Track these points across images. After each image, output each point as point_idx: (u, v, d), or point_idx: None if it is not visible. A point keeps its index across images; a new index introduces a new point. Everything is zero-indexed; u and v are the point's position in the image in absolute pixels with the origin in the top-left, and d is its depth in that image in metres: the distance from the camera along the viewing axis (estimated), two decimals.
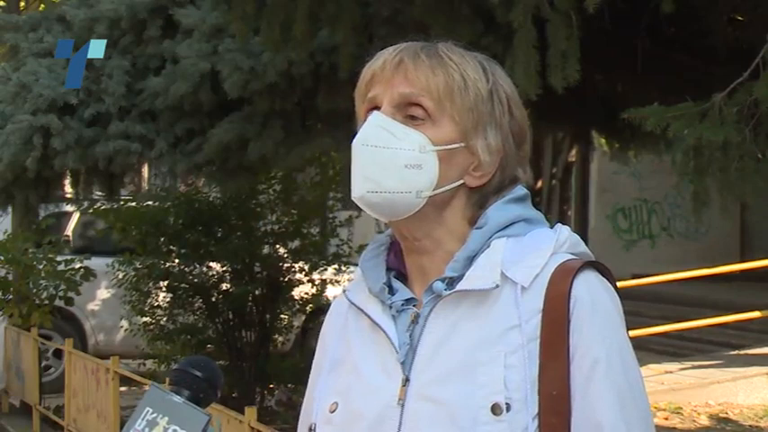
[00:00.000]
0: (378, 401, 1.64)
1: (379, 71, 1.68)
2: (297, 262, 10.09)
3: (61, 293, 10.60)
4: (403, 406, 1.62)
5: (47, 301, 10.64)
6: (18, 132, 8.54)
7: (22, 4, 14.69)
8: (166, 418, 1.68)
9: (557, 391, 1.58)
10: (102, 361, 8.03)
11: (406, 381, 1.63)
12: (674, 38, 7.61)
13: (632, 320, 12.36)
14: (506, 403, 1.57)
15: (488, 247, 1.65)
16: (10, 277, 10.94)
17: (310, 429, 1.74)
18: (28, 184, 9.14)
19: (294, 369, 9.61)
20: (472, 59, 1.70)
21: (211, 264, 9.93)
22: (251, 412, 5.19)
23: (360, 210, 1.75)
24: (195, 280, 9.88)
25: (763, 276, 12.95)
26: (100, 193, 10.07)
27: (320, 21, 6.57)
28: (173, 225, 9.96)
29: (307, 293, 10.20)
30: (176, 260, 9.91)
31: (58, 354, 10.91)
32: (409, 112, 1.66)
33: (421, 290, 1.68)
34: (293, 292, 10.14)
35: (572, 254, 1.67)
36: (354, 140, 1.66)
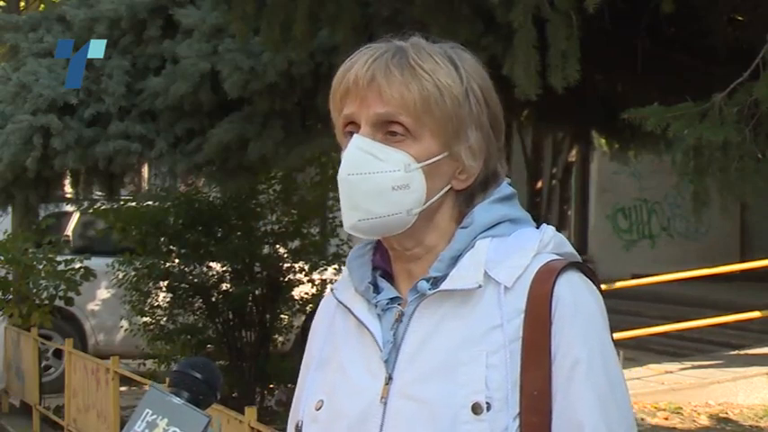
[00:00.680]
0: (361, 399, 1.65)
1: (353, 87, 1.66)
2: (297, 262, 10.10)
3: (61, 293, 10.60)
4: (386, 404, 1.63)
5: (47, 301, 10.64)
6: (18, 132, 8.54)
7: (22, 4, 14.69)
8: (166, 420, 1.68)
9: (538, 391, 1.58)
10: (102, 361, 8.03)
11: (390, 379, 1.64)
12: (674, 38, 7.61)
13: (632, 320, 12.40)
14: (487, 403, 1.57)
15: (473, 247, 1.66)
16: (10, 277, 10.94)
17: (297, 427, 1.75)
18: (28, 184, 9.14)
19: (294, 369, 9.46)
20: (444, 61, 1.67)
21: (211, 264, 9.93)
22: (251, 412, 5.19)
23: None
24: (195, 280, 9.88)
25: (763, 276, 12.94)
26: (100, 193, 10.08)
27: (320, 21, 6.57)
28: (173, 225, 9.97)
29: (307, 293, 10.20)
30: (176, 260, 9.92)
31: (58, 354, 10.91)
32: (389, 129, 1.65)
33: (406, 289, 1.69)
34: (293, 292, 10.14)
35: (557, 254, 1.67)
36: (340, 171, 1.66)
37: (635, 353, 11.12)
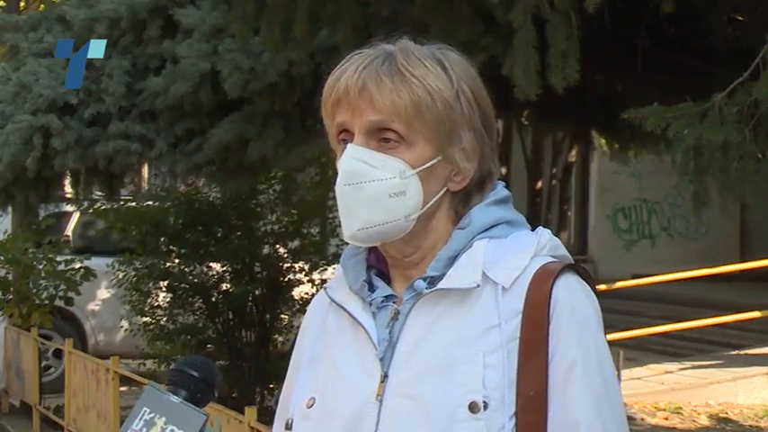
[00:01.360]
0: (356, 398, 1.65)
1: (344, 95, 1.67)
2: (297, 262, 10.09)
3: (61, 293, 10.60)
4: (381, 402, 1.63)
5: (47, 301, 10.64)
6: (18, 132, 8.54)
7: (22, 4, 14.69)
8: (164, 419, 1.67)
9: (534, 391, 1.60)
10: (102, 361, 8.03)
11: (385, 377, 1.64)
12: (674, 38, 7.61)
13: (632, 320, 12.40)
14: (484, 402, 1.59)
15: (470, 247, 1.67)
16: (10, 277, 10.94)
17: (287, 425, 1.75)
18: (28, 184, 9.14)
19: None
20: (432, 64, 1.67)
21: (211, 264, 9.93)
22: (251, 412, 5.19)
23: None
24: (195, 280, 9.88)
25: (763, 276, 12.94)
26: (100, 193, 10.08)
27: (320, 21, 6.57)
28: (173, 225, 9.96)
29: (307, 293, 10.20)
30: (176, 260, 9.91)
31: (58, 354, 10.91)
32: (382, 136, 1.66)
33: (402, 288, 1.70)
34: (293, 292, 10.13)
35: (552, 256, 1.68)
36: (337, 182, 1.67)
37: (635, 353, 11.12)
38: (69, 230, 12.80)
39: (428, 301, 1.65)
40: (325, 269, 10.18)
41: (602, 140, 11.51)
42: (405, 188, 1.65)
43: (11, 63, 9.47)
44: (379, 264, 1.74)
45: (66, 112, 8.70)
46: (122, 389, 7.89)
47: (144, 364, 10.41)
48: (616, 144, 10.16)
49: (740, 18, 7.42)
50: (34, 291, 10.64)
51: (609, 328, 1.73)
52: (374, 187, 1.65)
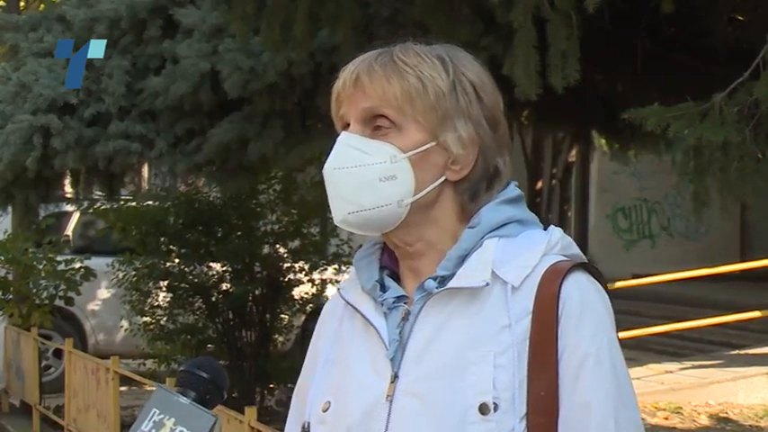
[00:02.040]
0: (367, 397, 1.65)
1: (342, 90, 1.70)
2: (297, 262, 10.10)
3: (61, 293, 10.60)
4: (391, 402, 1.63)
5: (47, 301, 10.64)
6: (18, 132, 8.54)
7: (22, 4, 14.69)
8: (173, 420, 1.68)
9: (545, 392, 1.58)
10: (102, 361, 8.03)
11: (395, 377, 1.64)
12: (674, 38, 7.61)
13: (632, 320, 12.42)
14: (494, 403, 1.58)
15: (480, 246, 1.66)
16: (10, 277, 10.94)
17: (304, 428, 1.75)
18: (28, 184, 9.14)
19: (294, 369, 9.51)
20: (429, 57, 1.69)
21: (211, 264, 9.93)
22: (251, 412, 5.19)
23: None
24: (195, 280, 9.88)
25: (763, 276, 12.94)
26: (100, 193, 10.07)
27: (320, 21, 6.57)
28: (173, 225, 9.97)
29: (307, 293, 10.21)
30: (176, 260, 9.92)
31: (58, 353, 10.91)
32: (375, 124, 1.67)
33: (413, 288, 1.69)
34: (293, 292, 10.14)
35: (564, 255, 1.67)
36: (324, 166, 1.69)
37: (635, 353, 11.12)
38: (69, 230, 12.80)
39: (438, 300, 1.65)
40: (326, 269, 10.18)
41: (603, 140, 11.51)
42: (395, 172, 1.65)
43: (11, 63, 9.47)
44: (391, 264, 1.74)
45: (67, 111, 8.70)
46: (122, 389, 7.89)
47: (144, 364, 10.42)
48: (616, 144, 10.16)
49: (740, 18, 7.41)
50: (34, 291, 10.64)
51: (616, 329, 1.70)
52: (363, 171, 1.66)
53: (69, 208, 12.17)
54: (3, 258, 10.50)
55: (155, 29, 8.67)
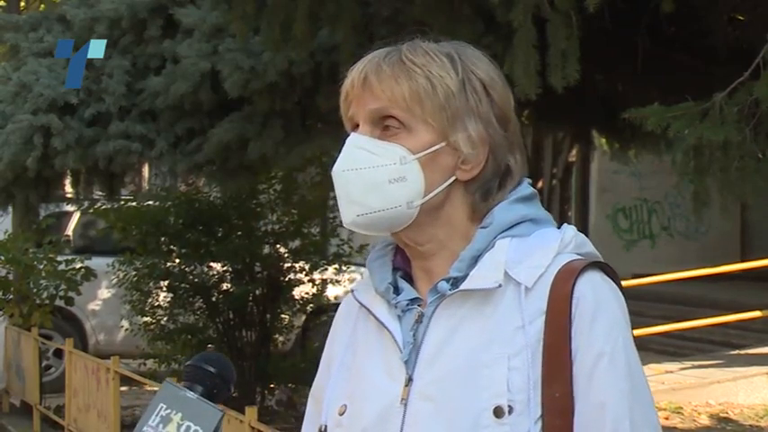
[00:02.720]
0: (381, 401, 1.64)
1: (351, 90, 1.68)
2: (297, 262, 10.09)
3: (62, 293, 10.60)
4: (406, 405, 1.62)
5: (47, 301, 10.64)
6: (18, 132, 8.54)
7: (22, 4, 14.69)
8: (180, 414, 1.68)
9: (560, 393, 1.57)
10: (102, 361, 8.03)
11: (410, 380, 1.63)
12: (674, 38, 7.61)
13: (633, 320, 12.45)
14: (509, 406, 1.56)
15: (492, 246, 1.64)
16: (10, 277, 10.94)
17: (321, 430, 1.73)
18: (28, 184, 9.14)
19: (295, 369, 9.61)
20: (438, 55, 1.67)
21: (212, 263, 9.93)
22: (251, 412, 5.19)
23: None
24: (196, 280, 9.88)
25: (763, 276, 12.94)
26: (100, 193, 10.08)
27: (320, 20, 6.57)
28: (173, 225, 9.96)
29: (307, 293, 10.20)
30: (177, 260, 9.92)
31: (59, 353, 10.91)
32: (385, 124, 1.66)
33: (426, 289, 1.68)
34: (294, 292, 10.14)
35: (578, 254, 1.65)
36: (334, 167, 1.67)
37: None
38: (70, 230, 12.80)
39: (451, 302, 1.63)
40: (326, 269, 10.18)
41: (603, 140, 11.51)
42: (404, 174, 1.64)
43: (11, 63, 9.47)
44: (404, 265, 1.73)
45: (67, 111, 8.70)
46: (123, 389, 7.90)
47: (144, 364, 10.42)
48: (616, 144, 10.15)
49: (740, 18, 7.41)
50: (35, 290, 10.64)
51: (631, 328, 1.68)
52: (372, 173, 1.64)
53: (69, 208, 12.18)
54: (3, 258, 10.50)
55: (155, 29, 8.67)
